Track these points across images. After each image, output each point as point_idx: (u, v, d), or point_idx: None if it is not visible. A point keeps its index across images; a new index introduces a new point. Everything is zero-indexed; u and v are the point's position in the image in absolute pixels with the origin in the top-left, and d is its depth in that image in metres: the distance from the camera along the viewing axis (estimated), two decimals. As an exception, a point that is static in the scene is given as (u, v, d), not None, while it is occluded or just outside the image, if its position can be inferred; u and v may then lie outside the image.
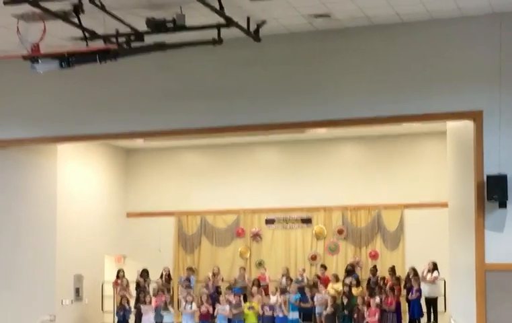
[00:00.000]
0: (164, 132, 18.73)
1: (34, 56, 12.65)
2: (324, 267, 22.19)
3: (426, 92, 16.35)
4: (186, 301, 20.73)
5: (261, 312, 20.52)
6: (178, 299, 22.02)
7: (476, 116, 15.96)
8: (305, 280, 21.54)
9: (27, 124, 19.17)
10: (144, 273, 22.08)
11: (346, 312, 19.93)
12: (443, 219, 19.03)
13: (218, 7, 13.44)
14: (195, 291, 21.71)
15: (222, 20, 14.05)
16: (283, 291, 20.88)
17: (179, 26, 13.55)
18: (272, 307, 20.46)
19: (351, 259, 22.58)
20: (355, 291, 20.61)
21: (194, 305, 20.67)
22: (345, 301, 20.04)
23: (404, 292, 20.67)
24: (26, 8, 12.86)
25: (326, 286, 20.95)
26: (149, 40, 14.18)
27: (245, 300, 21.07)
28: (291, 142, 23.28)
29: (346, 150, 23.35)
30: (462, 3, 14.95)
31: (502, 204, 15.74)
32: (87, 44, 13.96)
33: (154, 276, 22.15)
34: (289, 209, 23.63)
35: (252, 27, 14.96)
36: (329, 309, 20.05)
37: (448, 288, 19.14)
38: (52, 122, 19.00)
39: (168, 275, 22.43)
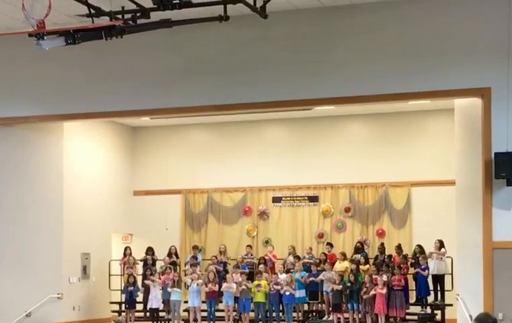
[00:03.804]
0: (171, 110, 18.73)
1: (40, 33, 12.55)
2: (330, 245, 22.12)
3: (434, 69, 16.26)
4: (192, 279, 20.72)
5: (268, 290, 20.49)
6: (185, 277, 21.98)
7: (484, 93, 15.88)
8: (313, 258, 21.47)
9: (34, 102, 19.17)
10: (149, 251, 22.08)
11: (354, 288, 19.85)
12: (450, 197, 18.94)
13: (224, -18, 13.36)
14: (201, 269, 21.68)
15: (228, -4, 13.96)
16: (289, 270, 20.84)
17: (185, 2, 13.48)
18: (279, 285, 20.42)
19: (358, 237, 22.51)
20: (362, 268, 20.59)
21: (201, 283, 20.66)
22: (352, 278, 19.98)
23: (411, 270, 20.62)
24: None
25: (332, 264, 20.91)
26: (155, 16, 14.09)
27: (251, 278, 20.98)
28: (298, 119, 23.16)
29: (353, 127, 23.25)
30: (471, -21, 14.84)
31: (510, 182, 15.67)
32: (92, 21, 13.87)
33: (161, 254, 22.14)
34: (296, 187, 23.55)
35: (259, 4, 14.84)
36: (336, 287, 20.02)
37: (455, 266, 19.09)
38: (58, 99, 18.99)
39: (176, 253, 22.40)
